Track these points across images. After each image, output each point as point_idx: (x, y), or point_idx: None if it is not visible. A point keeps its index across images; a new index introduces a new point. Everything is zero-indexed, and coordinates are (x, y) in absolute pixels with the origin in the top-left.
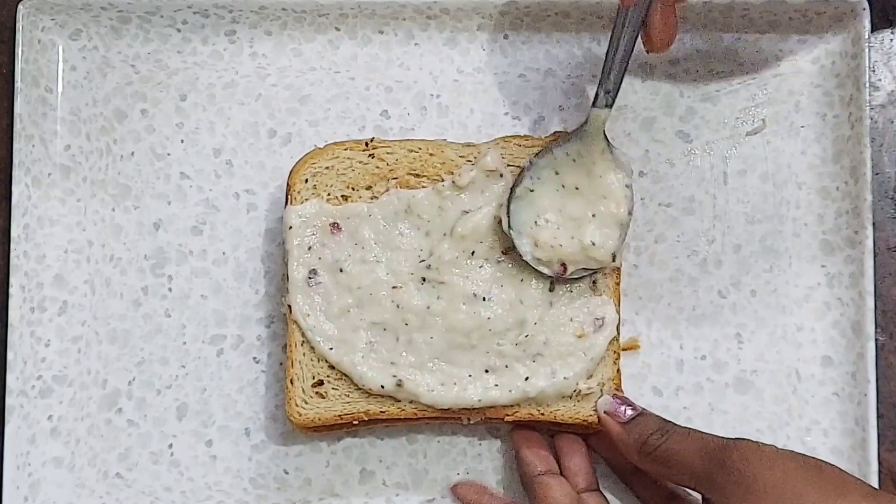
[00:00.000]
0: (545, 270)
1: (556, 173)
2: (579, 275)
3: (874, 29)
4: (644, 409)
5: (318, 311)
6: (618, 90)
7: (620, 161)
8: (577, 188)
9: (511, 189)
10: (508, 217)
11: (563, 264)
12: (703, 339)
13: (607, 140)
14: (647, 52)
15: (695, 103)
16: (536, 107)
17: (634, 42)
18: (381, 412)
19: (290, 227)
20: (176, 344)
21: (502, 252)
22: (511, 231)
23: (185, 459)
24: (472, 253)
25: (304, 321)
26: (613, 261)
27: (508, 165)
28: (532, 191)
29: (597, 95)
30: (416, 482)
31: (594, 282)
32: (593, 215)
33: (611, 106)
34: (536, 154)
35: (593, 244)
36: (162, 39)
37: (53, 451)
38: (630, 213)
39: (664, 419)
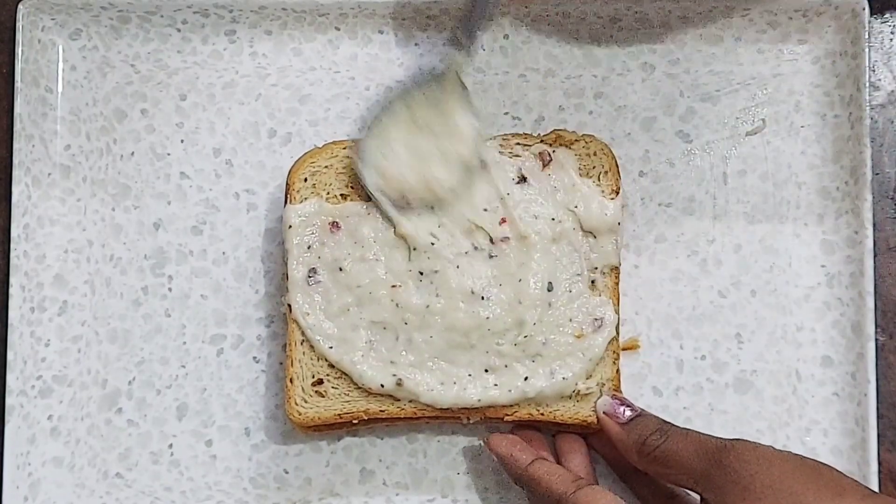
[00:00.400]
0: (385, 201)
1: (409, 109)
2: (420, 210)
3: (873, 26)
4: (643, 409)
5: (318, 309)
6: (474, 35)
7: (474, 106)
8: (427, 125)
9: (365, 123)
10: (357, 148)
11: (405, 196)
12: (703, 339)
13: (463, 84)
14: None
15: (695, 103)
16: (536, 107)
17: None
18: (381, 411)
19: (290, 227)
20: (176, 344)
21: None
22: (360, 163)
23: (185, 459)
24: (467, 253)
25: (304, 320)
26: (452, 198)
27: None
28: (384, 123)
29: (455, 37)
30: (416, 482)
31: (593, 282)
32: (440, 152)
33: (467, 49)
34: (393, 89)
35: (435, 180)
36: (162, 39)
37: (53, 451)
38: (476, 156)
39: (663, 420)
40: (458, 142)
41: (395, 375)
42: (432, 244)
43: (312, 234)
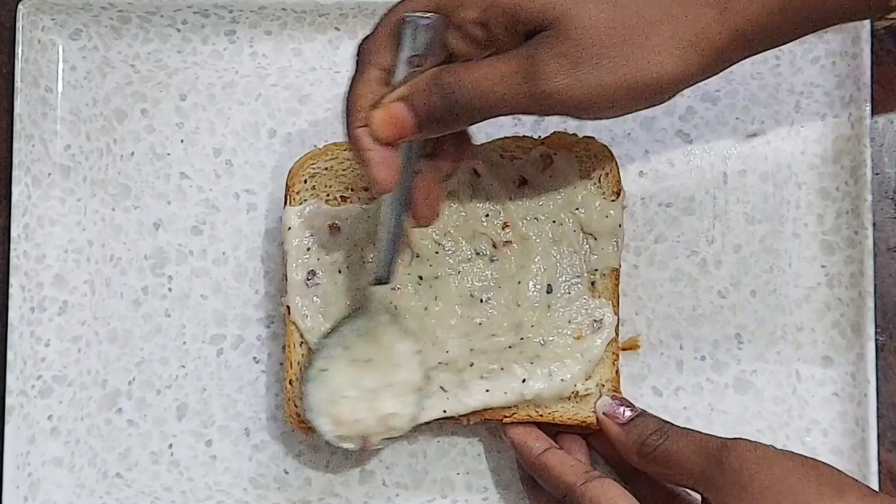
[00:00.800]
0: (349, 446)
1: (347, 349)
2: (381, 445)
3: (874, 31)
4: (643, 409)
5: (317, 312)
6: (391, 267)
7: (408, 329)
8: (368, 360)
9: (303, 371)
10: (304, 399)
11: (365, 437)
12: (703, 339)
13: (391, 312)
14: (413, 227)
15: (695, 103)
16: None
17: (402, 221)
18: None
19: (289, 228)
20: (176, 344)
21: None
22: (310, 413)
23: (185, 459)
24: (469, 259)
25: (303, 322)
26: (413, 426)
27: (502, 156)
28: (325, 370)
29: (375, 274)
30: (416, 482)
31: (592, 283)
32: (388, 386)
33: (387, 282)
34: (324, 335)
35: (392, 414)
36: (162, 39)
37: (53, 451)
38: (424, 378)
39: (662, 420)
40: (403, 369)
41: None
42: (436, 253)
43: (312, 236)
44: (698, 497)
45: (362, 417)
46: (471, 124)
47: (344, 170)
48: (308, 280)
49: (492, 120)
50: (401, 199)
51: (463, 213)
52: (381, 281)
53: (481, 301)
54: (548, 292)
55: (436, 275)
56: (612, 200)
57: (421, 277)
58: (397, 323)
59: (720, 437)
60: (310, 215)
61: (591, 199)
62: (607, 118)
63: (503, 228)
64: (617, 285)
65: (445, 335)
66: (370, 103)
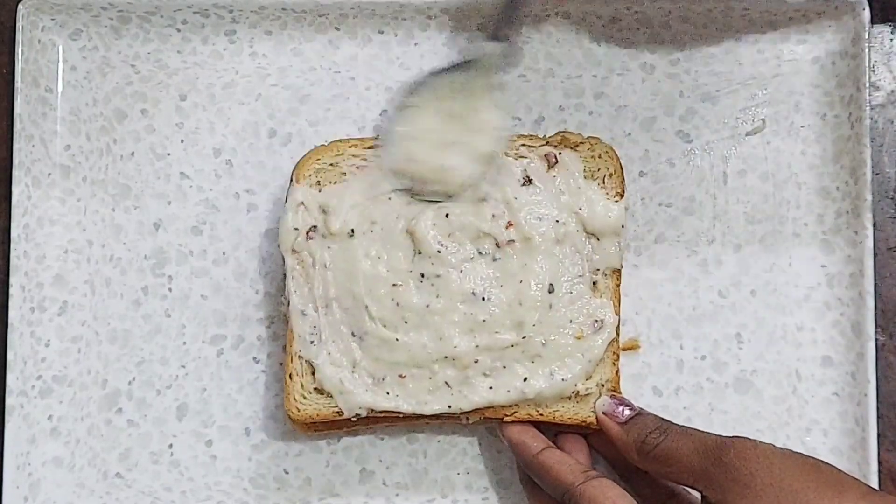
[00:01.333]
0: (397, 184)
1: (443, 98)
2: (432, 197)
3: (874, 26)
4: (642, 409)
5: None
6: (514, 27)
7: (503, 102)
8: (453, 115)
9: (395, 98)
10: (384, 129)
11: (422, 182)
12: (703, 339)
13: (491, 80)
14: None
15: (695, 103)
16: (536, 107)
17: None
18: (381, 410)
19: (290, 220)
20: (176, 344)
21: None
22: (382, 142)
23: (185, 459)
24: (472, 258)
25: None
26: (462, 191)
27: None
28: (413, 107)
29: (495, 31)
30: (416, 482)
31: (594, 283)
32: (460, 143)
33: (506, 43)
34: (430, 73)
35: (451, 168)
36: (162, 39)
37: (53, 451)
38: (497, 153)
39: (662, 418)
40: (482, 136)
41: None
42: (438, 252)
43: (310, 225)
44: (698, 495)
45: (426, 164)
46: None
47: (349, 166)
48: (308, 275)
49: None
50: None
51: (467, 212)
52: (496, 38)
53: (483, 300)
54: (549, 292)
55: (438, 273)
56: (616, 201)
57: (423, 275)
58: (497, 91)
59: (720, 436)
60: (308, 200)
61: (595, 199)
62: None
63: (507, 228)
64: (618, 285)
65: (451, 331)
66: None
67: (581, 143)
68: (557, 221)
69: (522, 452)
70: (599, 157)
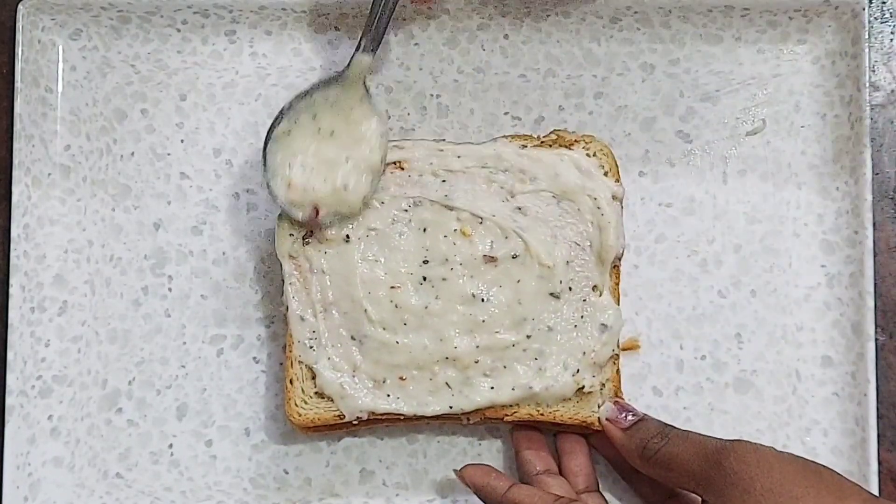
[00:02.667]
0: (297, 214)
1: (314, 117)
2: (331, 220)
3: (874, 26)
4: (645, 414)
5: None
6: (381, 39)
7: (377, 109)
8: (333, 132)
9: (268, 130)
10: (265, 158)
11: (316, 208)
12: (703, 339)
13: (366, 88)
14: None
15: (695, 103)
16: (536, 107)
17: None
18: (381, 412)
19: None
20: (176, 344)
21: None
22: (266, 173)
23: (185, 459)
24: (469, 255)
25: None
26: (362, 206)
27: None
28: (289, 133)
29: (360, 41)
30: (416, 482)
31: (594, 284)
32: (347, 159)
33: (374, 52)
34: (296, 96)
35: (345, 188)
36: (162, 39)
37: (53, 451)
38: (383, 161)
39: (664, 423)
40: (366, 148)
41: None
42: (435, 251)
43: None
44: (699, 498)
45: (316, 186)
46: None
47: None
48: (307, 278)
49: (491, 119)
50: None
51: (463, 212)
52: (366, 49)
53: (483, 300)
54: (549, 291)
55: (435, 273)
56: (612, 198)
57: (425, 278)
58: (369, 100)
59: (721, 439)
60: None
61: (591, 196)
62: None
63: (504, 227)
64: (618, 284)
65: (451, 332)
66: None
67: (576, 141)
68: (554, 220)
69: (489, 495)
70: (594, 155)
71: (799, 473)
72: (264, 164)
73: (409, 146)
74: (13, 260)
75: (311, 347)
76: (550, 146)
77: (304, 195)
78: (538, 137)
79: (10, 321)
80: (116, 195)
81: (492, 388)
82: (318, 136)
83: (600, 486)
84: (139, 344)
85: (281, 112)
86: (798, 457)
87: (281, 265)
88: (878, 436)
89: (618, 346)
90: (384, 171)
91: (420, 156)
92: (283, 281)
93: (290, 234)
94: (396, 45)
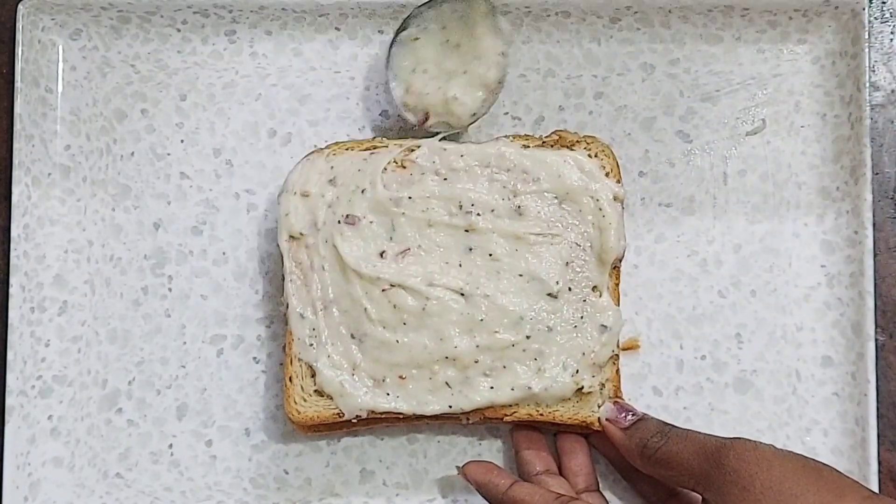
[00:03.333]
0: (409, 117)
1: (443, 27)
2: (438, 129)
3: (874, 26)
4: (645, 413)
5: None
6: None
7: (501, 28)
8: (458, 45)
9: (395, 33)
10: (388, 60)
11: (427, 113)
12: (703, 339)
13: (492, 6)
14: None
15: (695, 103)
16: (536, 107)
17: None
18: (381, 411)
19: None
20: (176, 344)
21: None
22: (389, 73)
23: (185, 459)
24: (470, 249)
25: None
26: (470, 121)
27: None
28: (416, 39)
29: None
30: (416, 482)
31: (594, 284)
32: (464, 72)
33: None
34: (424, 4)
35: (455, 98)
36: (162, 39)
37: (53, 451)
38: (500, 82)
39: (664, 422)
40: (485, 64)
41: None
42: (434, 251)
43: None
44: (699, 497)
45: (431, 93)
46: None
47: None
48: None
49: (492, 119)
50: None
51: (463, 211)
52: None
53: (481, 299)
54: (549, 291)
55: (433, 272)
56: (614, 199)
57: (420, 277)
58: (493, 17)
59: (720, 438)
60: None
61: (593, 198)
62: None
63: (502, 226)
64: (618, 284)
65: (451, 331)
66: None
67: (577, 141)
68: (555, 220)
69: (491, 492)
70: (596, 155)
71: (798, 471)
72: (387, 65)
73: (411, 145)
74: (13, 260)
75: (310, 345)
76: (552, 146)
77: (419, 100)
78: (540, 137)
79: (10, 321)
80: (116, 195)
81: (491, 387)
82: (444, 46)
83: (601, 485)
84: (139, 344)
85: (408, 17)
86: (798, 454)
87: (282, 262)
88: (878, 436)
89: (617, 347)
90: (500, 90)
91: (423, 154)
92: (283, 278)
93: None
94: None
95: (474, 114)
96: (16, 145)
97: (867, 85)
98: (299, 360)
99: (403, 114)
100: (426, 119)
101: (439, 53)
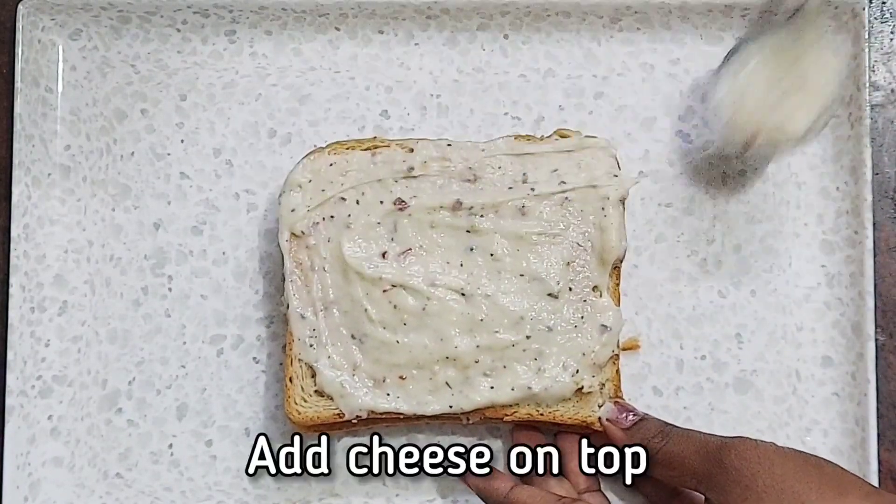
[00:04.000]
0: (735, 137)
1: (779, 46)
2: (764, 151)
3: (874, 26)
4: (646, 414)
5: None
6: None
7: (835, 42)
8: (791, 58)
9: (729, 52)
10: (716, 78)
11: (754, 135)
12: (703, 339)
13: (827, 22)
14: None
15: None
16: (536, 107)
17: None
18: (381, 411)
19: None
20: (176, 344)
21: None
22: (713, 92)
23: (185, 459)
24: (471, 249)
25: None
26: (801, 143)
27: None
28: (752, 54)
29: None
30: (417, 482)
31: (594, 284)
32: (803, 91)
33: None
34: (745, 39)
35: (793, 120)
36: (162, 39)
37: (53, 451)
38: (836, 99)
39: (665, 422)
40: (822, 80)
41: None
42: (435, 251)
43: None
44: (703, 496)
45: (762, 115)
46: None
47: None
48: (307, 276)
49: (492, 119)
50: None
51: (465, 212)
52: None
53: (482, 299)
54: (549, 292)
55: (435, 272)
56: (615, 199)
57: (422, 277)
58: (826, 31)
59: (722, 437)
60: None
61: (594, 198)
62: None
63: (504, 226)
64: (618, 284)
65: (451, 331)
66: None
67: (577, 141)
68: (556, 220)
69: (492, 497)
70: (598, 155)
71: (800, 469)
72: (715, 82)
73: (414, 144)
74: (13, 260)
75: (311, 346)
76: (552, 146)
77: (748, 119)
78: (540, 137)
79: (10, 321)
80: (116, 195)
81: (491, 387)
82: (780, 63)
83: (602, 485)
84: (139, 344)
85: (737, 44)
86: (800, 452)
87: (283, 262)
88: (878, 436)
89: (618, 347)
90: (833, 112)
91: (426, 154)
92: (283, 279)
93: (292, 210)
94: (396, 45)
95: (809, 130)
96: (16, 145)
97: (867, 85)
98: (299, 360)
99: (725, 133)
100: (752, 140)
101: (770, 69)
